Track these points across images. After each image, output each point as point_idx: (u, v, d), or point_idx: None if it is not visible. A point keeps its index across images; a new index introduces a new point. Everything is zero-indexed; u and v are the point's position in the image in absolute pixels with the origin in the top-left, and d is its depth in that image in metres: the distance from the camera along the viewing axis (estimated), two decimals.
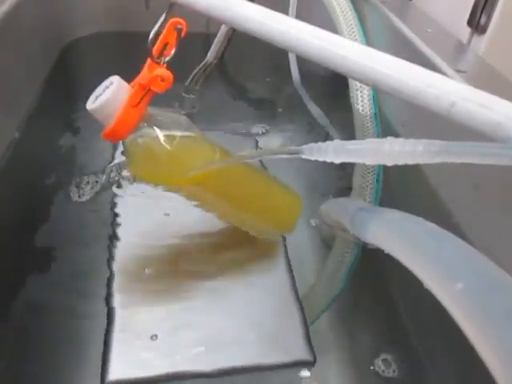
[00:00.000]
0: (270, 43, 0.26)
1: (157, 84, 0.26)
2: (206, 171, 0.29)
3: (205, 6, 0.26)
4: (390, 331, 0.40)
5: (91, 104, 0.27)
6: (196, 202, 0.33)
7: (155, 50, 0.28)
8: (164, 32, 0.27)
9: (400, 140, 0.21)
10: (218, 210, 0.34)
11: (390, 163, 0.21)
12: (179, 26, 0.27)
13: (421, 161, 0.20)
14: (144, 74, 0.28)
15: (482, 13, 0.45)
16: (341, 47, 0.23)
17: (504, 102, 0.21)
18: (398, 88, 0.22)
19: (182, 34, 0.28)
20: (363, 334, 0.40)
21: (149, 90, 0.27)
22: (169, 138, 0.29)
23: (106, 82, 0.27)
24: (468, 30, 0.47)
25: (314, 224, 0.46)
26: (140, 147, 0.29)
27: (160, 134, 0.29)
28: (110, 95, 0.26)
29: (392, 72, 0.22)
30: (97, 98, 0.27)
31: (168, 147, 0.28)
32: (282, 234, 0.39)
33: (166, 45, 0.27)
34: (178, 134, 0.29)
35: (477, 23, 0.45)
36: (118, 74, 0.29)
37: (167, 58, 0.28)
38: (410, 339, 0.39)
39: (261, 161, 0.49)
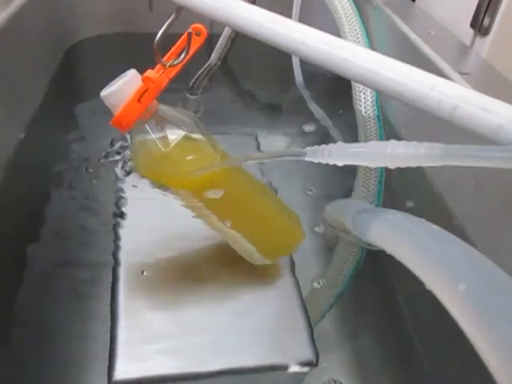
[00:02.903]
0: (273, 46, 0.26)
1: (148, 85, 0.28)
2: (199, 177, 0.29)
3: (209, 9, 0.26)
4: (392, 331, 0.40)
5: (103, 91, 0.28)
6: (186, 206, 0.32)
7: (171, 52, 0.29)
8: (183, 37, 0.29)
9: (403, 143, 0.21)
10: (207, 220, 0.33)
11: (392, 166, 0.21)
12: (190, 31, 0.28)
13: (423, 164, 0.20)
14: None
15: (485, 14, 0.45)
16: (344, 50, 0.23)
17: (505, 106, 0.21)
18: (400, 92, 0.22)
19: (201, 41, 0.29)
20: (366, 334, 0.40)
21: (147, 89, 0.28)
22: (170, 138, 0.29)
23: (123, 74, 0.29)
24: (471, 31, 0.47)
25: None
26: (141, 143, 0.30)
27: (162, 133, 0.29)
28: (118, 86, 0.28)
29: (395, 76, 0.22)
30: (110, 87, 0.28)
31: (166, 148, 0.29)
32: (272, 261, 0.36)
33: (183, 49, 0.29)
34: (181, 135, 0.29)
35: (480, 25, 0.45)
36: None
37: (176, 62, 0.28)
38: (413, 339, 0.39)
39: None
